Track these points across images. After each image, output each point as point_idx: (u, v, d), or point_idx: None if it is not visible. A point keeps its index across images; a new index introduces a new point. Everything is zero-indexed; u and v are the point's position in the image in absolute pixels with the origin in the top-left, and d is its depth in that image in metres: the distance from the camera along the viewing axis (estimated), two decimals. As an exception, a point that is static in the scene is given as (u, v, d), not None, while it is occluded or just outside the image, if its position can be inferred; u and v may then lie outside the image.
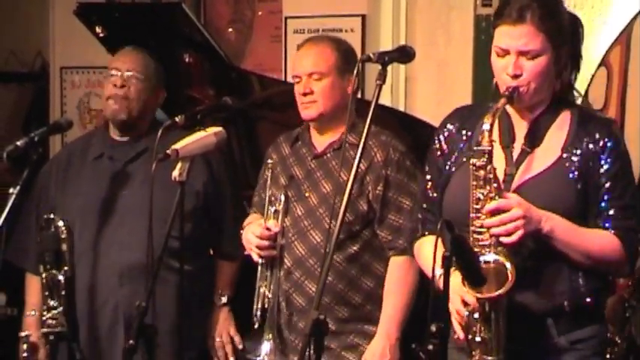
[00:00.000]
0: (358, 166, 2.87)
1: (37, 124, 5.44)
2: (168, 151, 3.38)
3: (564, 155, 2.93)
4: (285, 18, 5.69)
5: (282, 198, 3.63)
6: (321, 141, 3.67)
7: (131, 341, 3.28)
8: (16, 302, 4.34)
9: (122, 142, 3.98)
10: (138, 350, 3.27)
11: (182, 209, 3.37)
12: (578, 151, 2.92)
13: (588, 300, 2.92)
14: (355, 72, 3.18)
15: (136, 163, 3.92)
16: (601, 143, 2.92)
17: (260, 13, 6.02)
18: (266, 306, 3.62)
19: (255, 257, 3.64)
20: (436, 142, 3.12)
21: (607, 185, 2.90)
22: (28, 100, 6.73)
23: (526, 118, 2.99)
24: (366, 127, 2.89)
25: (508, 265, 2.78)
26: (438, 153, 3.10)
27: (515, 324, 2.85)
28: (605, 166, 2.91)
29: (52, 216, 3.88)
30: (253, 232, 3.63)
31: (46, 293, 3.84)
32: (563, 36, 2.93)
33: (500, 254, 2.81)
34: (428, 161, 3.16)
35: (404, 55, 3.10)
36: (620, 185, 2.91)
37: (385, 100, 5.13)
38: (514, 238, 2.80)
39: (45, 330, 3.83)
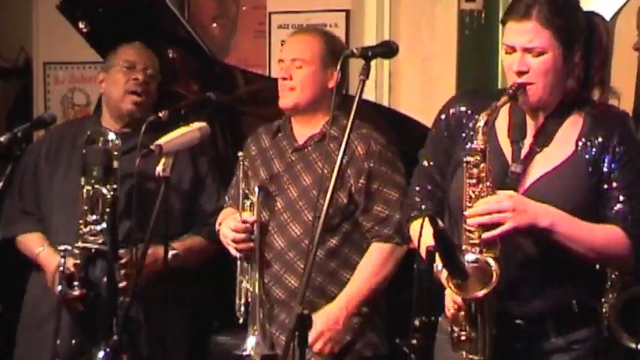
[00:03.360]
0: (342, 162, 2.86)
1: (21, 120, 5.42)
2: (152, 147, 3.37)
3: (579, 149, 2.87)
4: (269, 13, 5.69)
5: (257, 190, 3.60)
6: (301, 133, 3.65)
7: (115, 337, 3.29)
8: (1, 298, 4.33)
9: (121, 133, 3.89)
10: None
11: (166, 205, 3.37)
12: (592, 145, 2.86)
13: (588, 303, 2.91)
14: (338, 67, 3.18)
15: (126, 158, 3.84)
16: (614, 135, 2.85)
17: (244, 8, 6.01)
18: (249, 300, 3.60)
19: (233, 251, 3.60)
20: (441, 121, 3.03)
21: (617, 175, 2.84)
22: (12, 96, 6.70)
23: (538, 116, 2.92)
24: (350, 121, 2.89)
25: (492, 263, 2.73)
26: (445, 133, 3.01)
27: (512, 323, 2.84)
28: (617, 157, 2.84)
29: (102, 130, 3.83)
30: (229, 226, 3.60)
31: (85, 208, 3.73)
32: (574, 34, 2.85)
33: (486, 253, 2.76)
34: (431, 141, 3.07)
35: (388, 50, 3.10)
36: (630, 177, 2.85)
37: (369, 95, 5.12)
38: (497, 231, 2.74)
39: (82, 244, 3.70)
